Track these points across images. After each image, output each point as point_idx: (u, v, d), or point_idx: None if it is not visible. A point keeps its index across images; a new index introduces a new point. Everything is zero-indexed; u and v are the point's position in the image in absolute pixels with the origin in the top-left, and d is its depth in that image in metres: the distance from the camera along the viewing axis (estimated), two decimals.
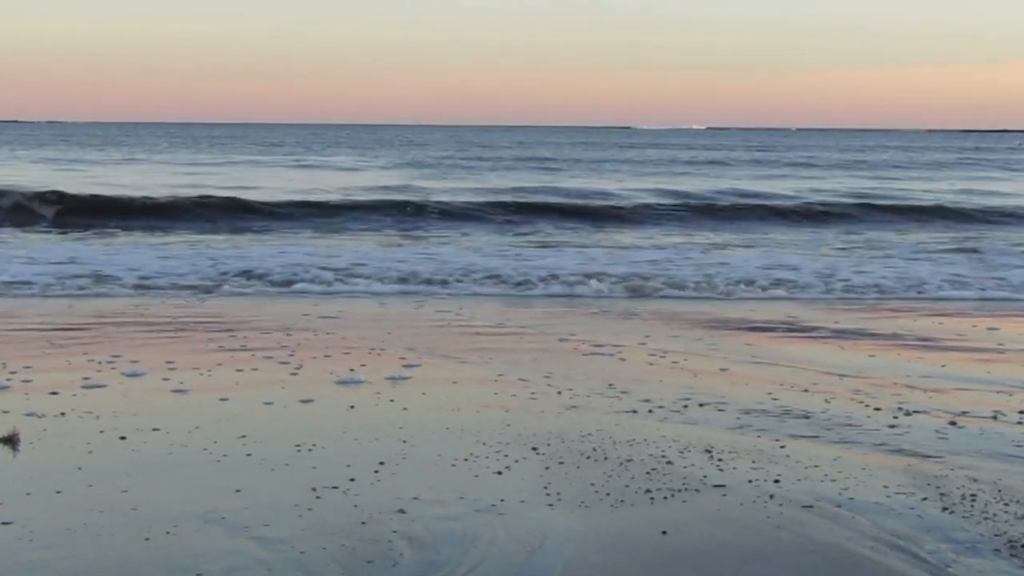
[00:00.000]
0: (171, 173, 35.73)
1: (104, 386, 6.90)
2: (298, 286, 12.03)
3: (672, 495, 4.90)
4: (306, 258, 14.19)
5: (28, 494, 4.82)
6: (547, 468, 5.27)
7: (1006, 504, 4.79)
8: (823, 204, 25.71)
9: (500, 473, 5.19)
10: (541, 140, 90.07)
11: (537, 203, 24.73)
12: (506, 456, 5.46)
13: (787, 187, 32.36)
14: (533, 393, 6.87)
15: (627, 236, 19.47)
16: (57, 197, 22.00)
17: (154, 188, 25.98)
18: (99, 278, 12.24)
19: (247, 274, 12.72)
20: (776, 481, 5.09)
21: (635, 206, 24.44)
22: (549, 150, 64.26)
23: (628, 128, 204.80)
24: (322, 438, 5.77)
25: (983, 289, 12.55)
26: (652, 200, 26.06)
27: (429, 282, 12.43)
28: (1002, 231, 21.23)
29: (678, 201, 25.86)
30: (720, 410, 6.44)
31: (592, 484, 5.03)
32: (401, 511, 4.63)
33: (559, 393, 6.87)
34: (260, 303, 10.99)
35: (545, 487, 4.98)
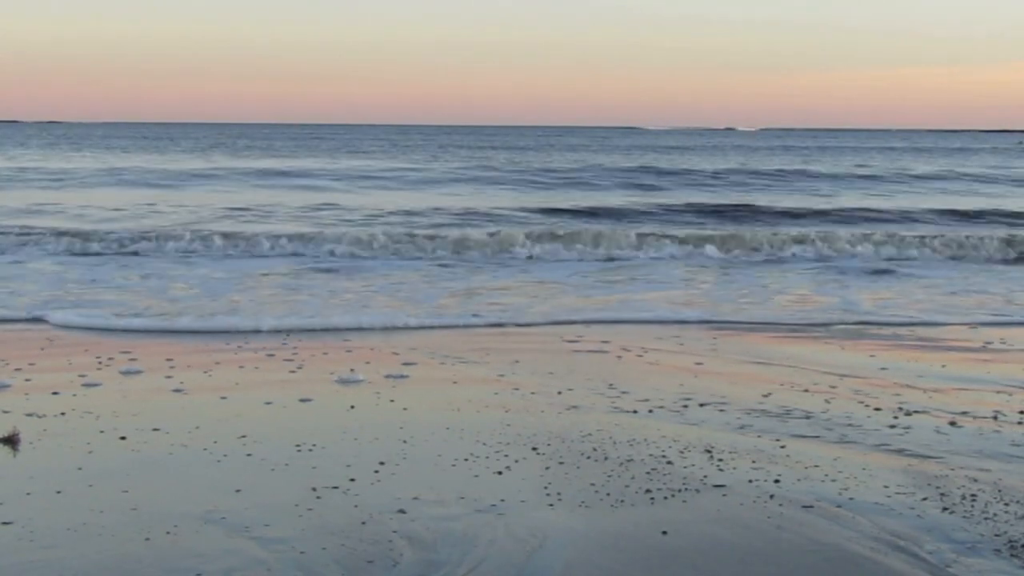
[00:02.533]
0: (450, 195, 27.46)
1: (104, 386, 6.91)
2: None
3: (672, 495, 4.90)
4: None
5: (28, 494, 4.82)
6: (547, 468, 5.27)
7: (1006, 504, 4.79)
8: None
9: (500, 473, 5.19)
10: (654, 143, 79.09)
11: None
12: (506, 456, 5.46)
13: None
14: (533, 393, 6.87)
15: None
16: None
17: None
18: None
19: None
20: (776, 481, 5.09)
21: None
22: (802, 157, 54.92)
23: (635, 128, 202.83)
24: (322, 438, 5.77)
25: None
26: None
27: None
28: None
29: None
30: (720, 410, 6.44)
31: (592, 484, 5.03)
32: (401, 511, 4.63)
33: (559, 393, 6.87)
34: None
35: (545, 487, 4.98)
